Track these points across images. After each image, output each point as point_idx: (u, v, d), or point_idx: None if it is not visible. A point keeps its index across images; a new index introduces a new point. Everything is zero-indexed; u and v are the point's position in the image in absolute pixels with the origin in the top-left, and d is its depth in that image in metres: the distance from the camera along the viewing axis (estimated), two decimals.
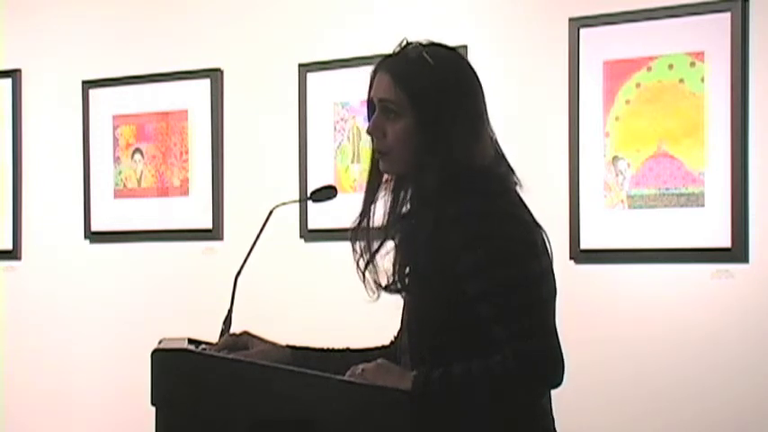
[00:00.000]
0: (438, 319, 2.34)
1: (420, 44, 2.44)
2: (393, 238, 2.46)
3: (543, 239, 2.39)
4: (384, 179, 2.48)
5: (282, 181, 4.70)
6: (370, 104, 2.46)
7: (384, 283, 2.46)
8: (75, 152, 5.22)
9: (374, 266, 2.46)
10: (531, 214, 2.39)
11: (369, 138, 2.45)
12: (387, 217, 2.47)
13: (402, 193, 2.47)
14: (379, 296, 2.48)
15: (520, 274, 2.29)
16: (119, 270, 5.13)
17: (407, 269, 2.42)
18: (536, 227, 2.39)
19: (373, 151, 2.48)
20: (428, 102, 2.37)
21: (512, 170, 2.44)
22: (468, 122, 2.38)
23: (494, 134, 2.45)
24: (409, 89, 2.38)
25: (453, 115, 2.37)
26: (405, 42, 2.45)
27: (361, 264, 2.47)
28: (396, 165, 2.42)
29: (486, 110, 2.44)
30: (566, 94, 4.12)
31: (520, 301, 2.27)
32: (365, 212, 2.49)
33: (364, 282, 2.48)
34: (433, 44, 2.45)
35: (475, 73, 2.45)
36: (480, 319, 2.29)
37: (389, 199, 2.48)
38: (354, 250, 2.49)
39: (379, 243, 2.46)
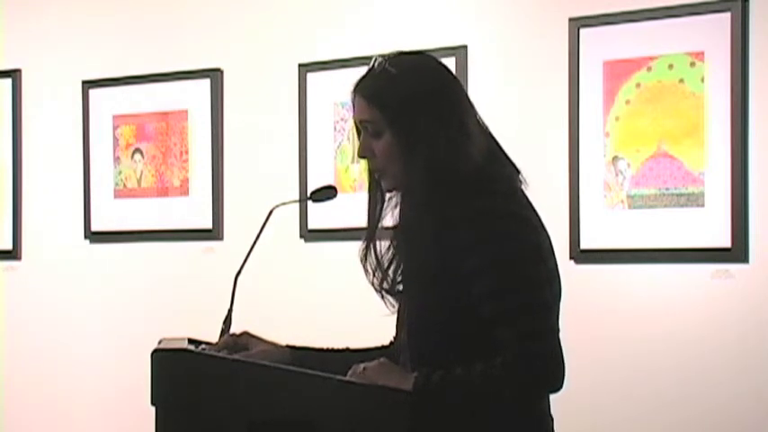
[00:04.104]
0: (441, 319, 2.34)
1: (384, 57, 2.44)
2: (396, 248, 2.45)
3: (549, 241, 2.39)
4: (387, 197, 2.48)
5: (282, 181, 4.70)
6: (357, 127, 2.47)
7: (387, 287, 2.46)
8: (76, 152, 5.22)
9: (388, 282, 2.46)
10: (537, 216, 2.39)
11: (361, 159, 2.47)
12: (395, 226, 2.47)
13: (406, 203, 2.46)
14: (396, 309, 2.48)
15: (524, 276, 2.28)
16: (119, 270, 5.13)
17: (408, 271, 2.42)
18: (542, 228, 2.39)
19: (370, 172, 2.48)
20: (399, 113, 2.37)
21: (515, 168, 2.44)
22: (444, 123, 2.37)
23: (486, 128, 2.44)
24: (379, 105, 2.38)
25: (427, 119, 2.36)
26: (374, 59, 2.45)
27: (376, 283, 2.47)
28: (394, 180, 2.42)
29: (469, 106, 2.42)
30: (566, 94, 4.12)
31: (523, 303, 2.27)
32: (371, 237, 2.48)
33: (384, 299, 2.47)
34: (401, 53, 2.46)
35: (448, 72, 2.45)
36: (483, 319, 2.29)
37: (396, 214, 2.47)
38: (366, 271, 2.48)
39: (389, 260, 2.45)
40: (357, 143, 2.47)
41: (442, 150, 2.35)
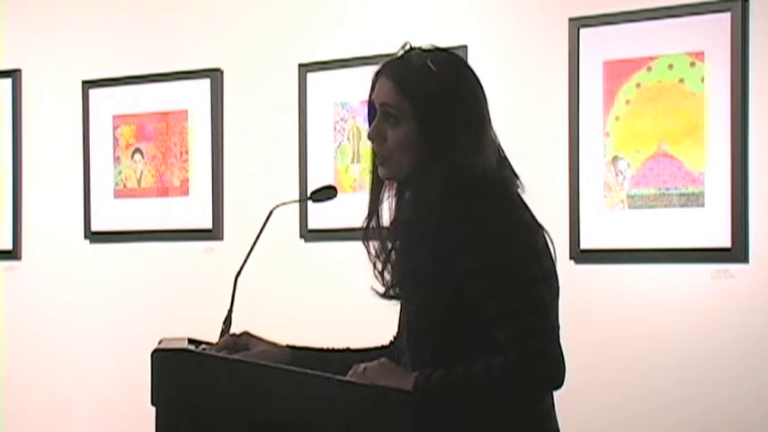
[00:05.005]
0: (439, 321, 2.34)
1: (423, 50, 2.43)
2: (394, 244, 2.45)
3: (545, 241, 2.40)
4: (386, 182, 2.48)
5: (282, 181, 4.70)
6: (371, 106, 2.46)
7: (382, 290, 2.46)
8: (75, 152, 5.22)
9: (392, 266, 2.45)
10: (532, 216, 2.40)
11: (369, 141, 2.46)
12: (392, 220, 2.47)
13: (405, 198, 2.46)
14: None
15: (521, 277, 2.28)
16: (119, 270, 5.13)
17: (406, 273, 2.42)
18: (538, 228, 2.39)
19: (374, 153, 2.48)
20: (430, 109, 2.37)
21: (515, 175, 2.44)
22: (469, 129, 2.38)
23: (497, 139, 2.45)
24: (411, 96, 2.38)
25: (455, 122, 2.37)
26: (408, 46, 2.45)
27: (379, 265, 2.46)
28: (395, 170, 2.42)
29: (488, 115, 2.43)
30: (566, 94, 4.12)
31: (520, 302, 2.27)
32: (372, 213, 2.48)
33: (383, 283, 2.46)
34: (436, 49, 2.45)
35: (477, 78, 2.45)
36: (481, 320, 2.29)
37: (394, 203, 2.48)
38: (369, 252, 2.48)
39: (392, 243, 2.45)
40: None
41: (462, 154, 2.35)
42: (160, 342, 2.57)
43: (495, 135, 2.44)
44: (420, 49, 2.43)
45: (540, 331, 2.27)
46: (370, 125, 2.46)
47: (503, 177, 2.41)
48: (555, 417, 2.41)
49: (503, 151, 2.45)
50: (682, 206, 3.92)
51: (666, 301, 3.97)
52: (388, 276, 2.45)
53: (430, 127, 2.37)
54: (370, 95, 2.46)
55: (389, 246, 2.45)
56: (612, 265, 4.05)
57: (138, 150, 5.09)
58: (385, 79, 2.41)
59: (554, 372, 2.26)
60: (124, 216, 5.10)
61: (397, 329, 2.52)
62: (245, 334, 2.61)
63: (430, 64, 2.39)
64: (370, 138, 2.44)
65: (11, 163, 5.37)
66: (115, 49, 5.15)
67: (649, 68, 3.98)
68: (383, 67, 2.43)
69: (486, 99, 2.43)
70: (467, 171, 2.34)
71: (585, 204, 4.07)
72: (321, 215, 4.57)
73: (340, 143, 4.60)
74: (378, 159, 2.44)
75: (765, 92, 3.83)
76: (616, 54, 4.03)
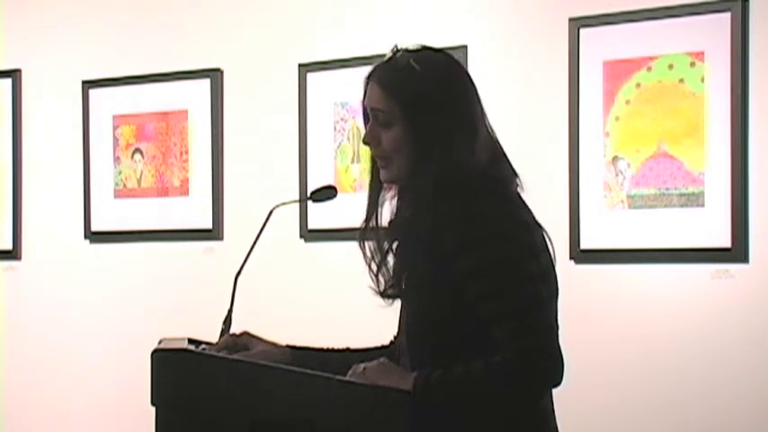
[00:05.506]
0: (437, 320, 2.34)
1: (408, 50, 2.43)
2: (391, 245, 2.45)
3: (543, 239, 2.40)
4: (385, 184, 2.48)
5: (282, 181, 4.71)
6: (365, 110, 2.47)
7: (385, 274, 2.46)
8: (75, 152, 5.22)
9: (387, 269, 2.45)
10: (530, 214, 2.40)
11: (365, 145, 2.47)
12: (390, 221, 2.47)
13: (404, 199, 2.46)
14: (393, 302, 2.47)
15: (519, 276, 2.28)
16: (119, 270, 5.13)
17: (405, 273, 2.42)
18: (535, 226, 2.39)
19: (373, 156, 2.48)
20: (417, 110, 2.37)
21: (514, 172, 2.44)
22: (460, 126, 2.38)
23: (493, 133, 2.44)
24: (398, 98, 2.38)
25: (444, 121, 2.37)
26: (395, 49, 2.45)
27: (374, 267, 2.46)
28: (396, 173, 2.42)
29: (481, 110, 2.43)
30: (566, 94, 4.12)
31: (518, 300, 2.27)
32: (370, 215, 2.48)
33: (378, 285, 2.46)
34: (424, 48, 2.45)
35: (467, 74, 2.45)
36: (479, 319, 2.29)
37: (394, 204, 2.48)
38: (364, 254, 2.47)
39: (388, 244, 2.45)
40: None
41: (455, 152, 2.35)
42: (160, 342, 2.57)
43: (493, 132, 2.44)
44: (406, 50, 2.43)
45: (538, 329, 2.27)
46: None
47: (500, 176, 2.41)
48: (554, 417, 2.41)
49: (501, 149, 2.45)
50: (682, 206, 3.92)
51: (666, 301, 3.97)
52: (382, 279, 2.45)
53: (420, 126, 2.37)
54: (363, 100, 2.46)
55: (386, 247, 2.45)
56: (612, 265, 4.05)
57: (138, 150, 5.09)
58: (373, 84, 2.42)
59: (552, 369, 2.26)
60: (124, 216, 5.10)
61: (397, 329, 2.52)
62: (245, 334, 2.61)
63: (414, 63, 2.39)
64: (365, 142, 2.45)
65: (11, 163, 5.37)
66: (115, 49, 5.15)
67: (649, 68, 3.98)
68: (372, 71, 2.44)
69: (478, 97, 2.43)
70: (460, 169, 2.34)
71: (585, 204, 4.07)
72: (321, 215, 4.57)
73: (340, 143, 4.60)
74: (379, 163, 2.44)
75: (765, 92, 3.83)
76: (616, 54, 4.03)
